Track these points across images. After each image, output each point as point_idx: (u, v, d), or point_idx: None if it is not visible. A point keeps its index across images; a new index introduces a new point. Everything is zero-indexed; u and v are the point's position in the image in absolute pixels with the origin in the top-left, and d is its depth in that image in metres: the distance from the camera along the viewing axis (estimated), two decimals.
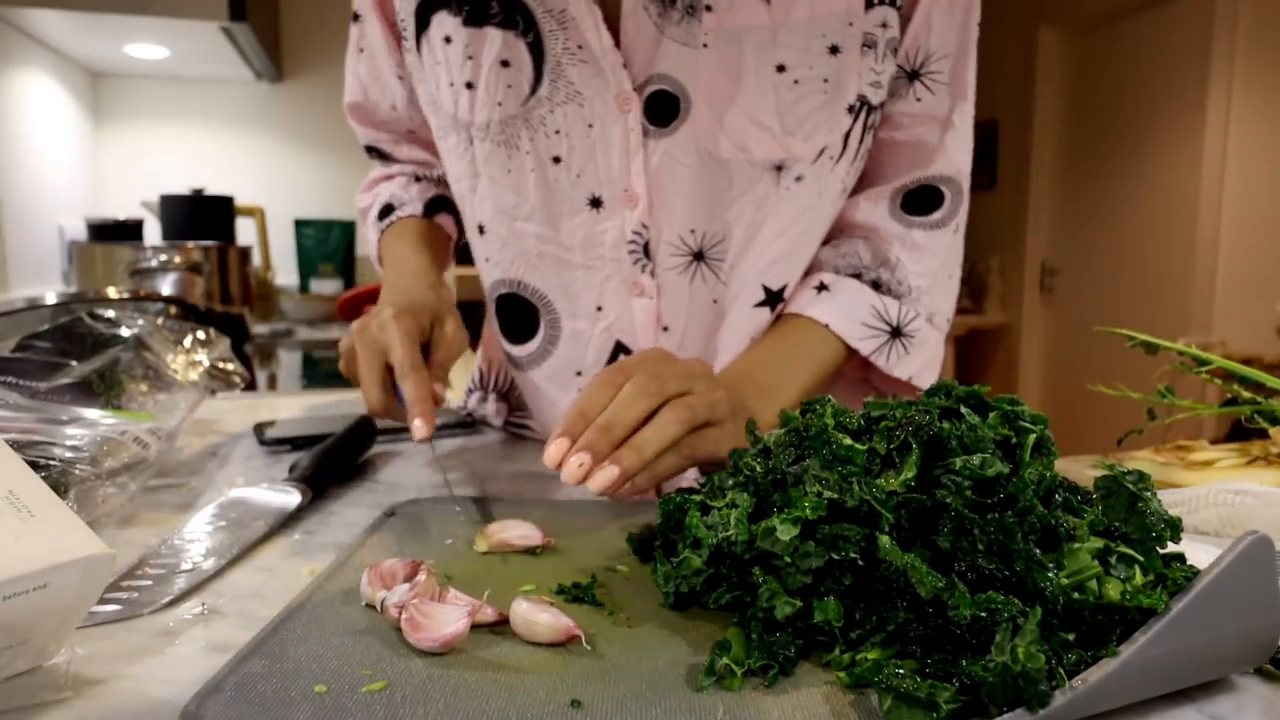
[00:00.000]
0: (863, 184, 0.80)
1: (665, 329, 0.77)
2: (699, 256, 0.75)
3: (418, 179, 0.96)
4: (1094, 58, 4.01)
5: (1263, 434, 0.69)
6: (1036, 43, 4.16)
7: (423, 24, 0.75)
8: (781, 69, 0.69)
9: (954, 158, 0.78)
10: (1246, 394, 0.69)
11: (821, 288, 0.76)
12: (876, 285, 0.77)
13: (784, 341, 0.75)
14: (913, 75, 0.76)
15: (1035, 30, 4.15)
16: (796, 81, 0.69)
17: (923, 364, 0.79)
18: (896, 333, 0.77)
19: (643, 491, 0.58)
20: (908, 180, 0.79)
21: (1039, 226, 4.31)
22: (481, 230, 0.81)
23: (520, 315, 0.82)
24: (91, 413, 0.67)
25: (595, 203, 0.74)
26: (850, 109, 0.72)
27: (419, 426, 0.65)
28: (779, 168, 0.72)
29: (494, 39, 0.70)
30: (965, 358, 4.57)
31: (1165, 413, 0.71)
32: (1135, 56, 3.77)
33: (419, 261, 0.84)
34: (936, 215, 0.79)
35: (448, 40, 0.73)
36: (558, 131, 0.72)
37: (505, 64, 0.71)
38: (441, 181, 0.97)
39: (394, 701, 0.36)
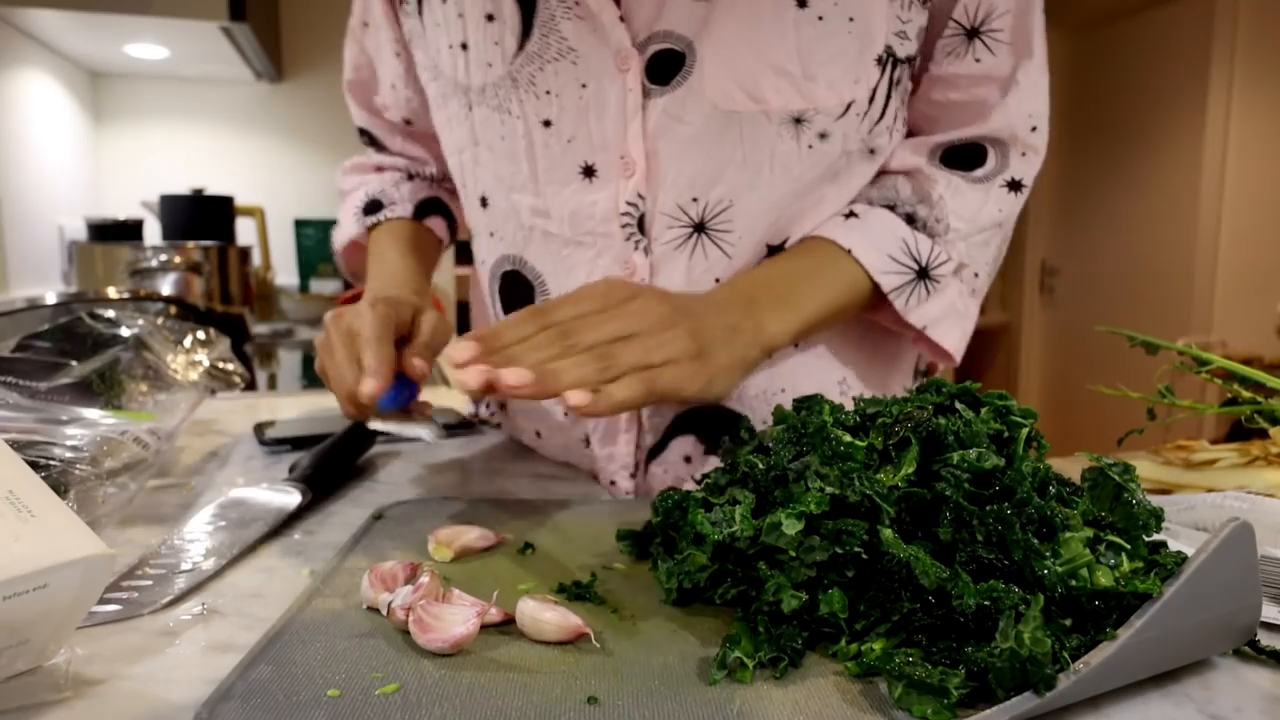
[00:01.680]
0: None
1: None
2: (699, 228, 0.69)
3: (410, 176, 0.93)
4: (1094, 58, 4.01)
5: (1263, 434, 0.69)
6: None
7: None
8: (803, 4, 0.64)
9: (1010, 118, 0.72)
10: (1246, 394, 0.69)
11: (850, 215, 0.70)
12: (911, 220, 0.70)
13: (805, 256, 0.69)
14: (972, 33, 0.70)
15: None
16: (820, 18, 0.64)
17: (939, 313, 0.73)
18: (923, 274, 0.70)
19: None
20: (954, 136, 0.73)
21: (1039, 226, 4.31)
22: (484, 203, 0.77)
23: (520, 295, 0.78)
24: (91, 413, 0.67)
25: (588, 171, 0.69)
26: (879, 60, 0.67)
27: (368, 384, 0.61)
28: (798, 120, 0.67)
29: None
30: (965, 357, 4.54)
31: (1165, 413, 0.71)
32: (1135, 56, 3.77)
33: (404, 264, 0.82)
34: (979, 171, 0.73)
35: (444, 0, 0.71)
36: (548, 92, 0.68)
37: (490, 18, 0.67)
38: (435, 180, 0.95)
39: (409, 703, 0.36)
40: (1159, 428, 0.72)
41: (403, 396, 0.67)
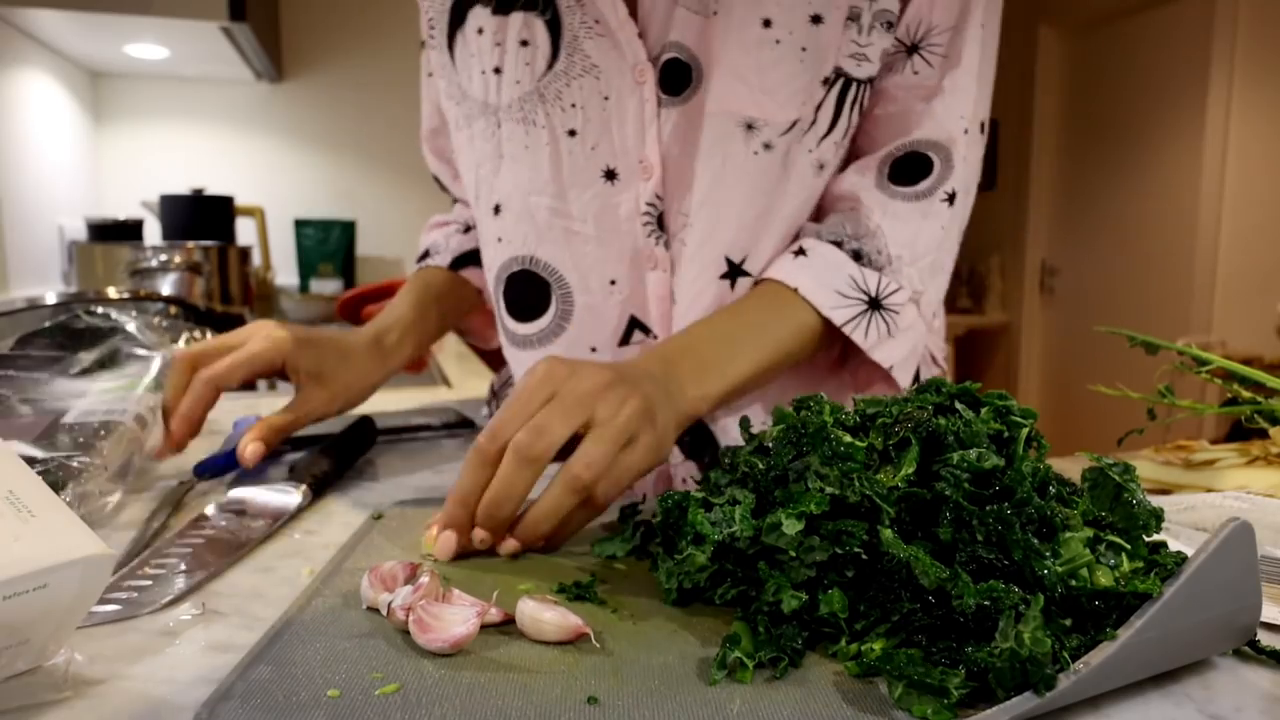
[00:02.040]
0: (851, 160, 0.78)
1: (674, 302, 0.76)
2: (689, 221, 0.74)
3: (466, 229, 0.99)
4: (1094, 58, 4.01)
5: (1263, 434, 0.69)
6: (1036, 43, 4.16)
7: (458, 21, 0.77)
8: (767, 24, 0.69)
9: (942, 123, 0.74)
10: (1246, 394, 0.69)
11: (799, 253, 0.72)
12: (857, 256, 0.72)
13: (741, 313, 0.71)
14: (912, 49, 0.74)
15: (1035, 30, 4.15)
16: (778, 41, 0.69)
17: (907, 353, 0.74)
18: (875, 304, 0.71)
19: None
20: (892, 148, 0.75)
21: (1039, 226, 4.31)
22: (497, 210, 0.80)
23: (531, 292, 0.81)
24: (93, 384, 0.68)
25: (610, 175, 0.73)
26: (825, 81, 0.71)
27: (170, 436, 0.71)
28: (749, 126, 0.71)
29: (516, 21, 0.72)
30: (965, 358, 4.57)
31: (1165, 413, 0.71)
32: (1135, 56, 3.77)
33: (396, 314, 0.89)
34: (922, 185, 0.74)
35: (480, 32, 0.75)
36: (574, 105, 0.72)
37: (524, 43, 0.72)
38: None
39: (409, 703, 0.36)
40: (1159, 428, 0.72)
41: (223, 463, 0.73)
